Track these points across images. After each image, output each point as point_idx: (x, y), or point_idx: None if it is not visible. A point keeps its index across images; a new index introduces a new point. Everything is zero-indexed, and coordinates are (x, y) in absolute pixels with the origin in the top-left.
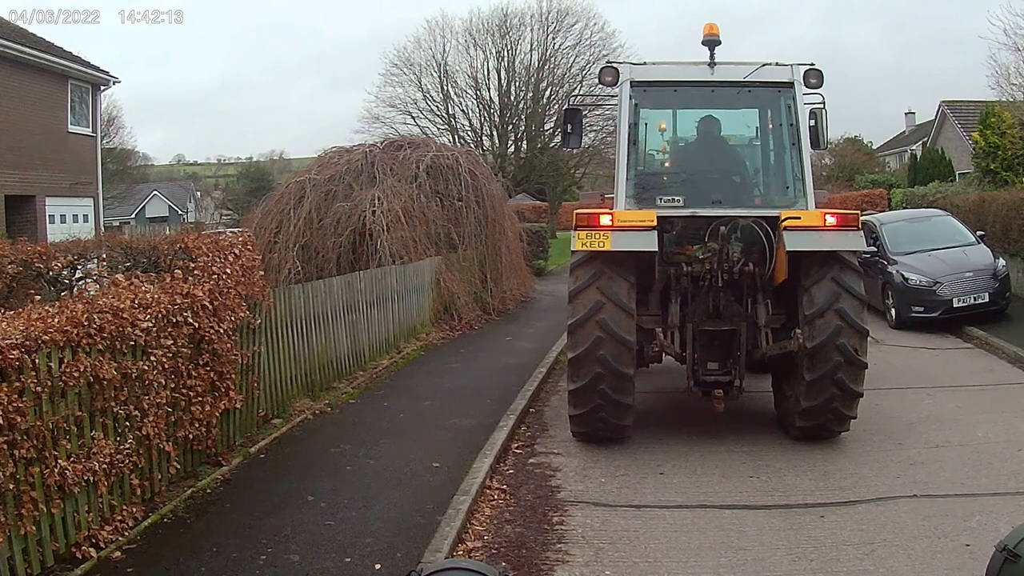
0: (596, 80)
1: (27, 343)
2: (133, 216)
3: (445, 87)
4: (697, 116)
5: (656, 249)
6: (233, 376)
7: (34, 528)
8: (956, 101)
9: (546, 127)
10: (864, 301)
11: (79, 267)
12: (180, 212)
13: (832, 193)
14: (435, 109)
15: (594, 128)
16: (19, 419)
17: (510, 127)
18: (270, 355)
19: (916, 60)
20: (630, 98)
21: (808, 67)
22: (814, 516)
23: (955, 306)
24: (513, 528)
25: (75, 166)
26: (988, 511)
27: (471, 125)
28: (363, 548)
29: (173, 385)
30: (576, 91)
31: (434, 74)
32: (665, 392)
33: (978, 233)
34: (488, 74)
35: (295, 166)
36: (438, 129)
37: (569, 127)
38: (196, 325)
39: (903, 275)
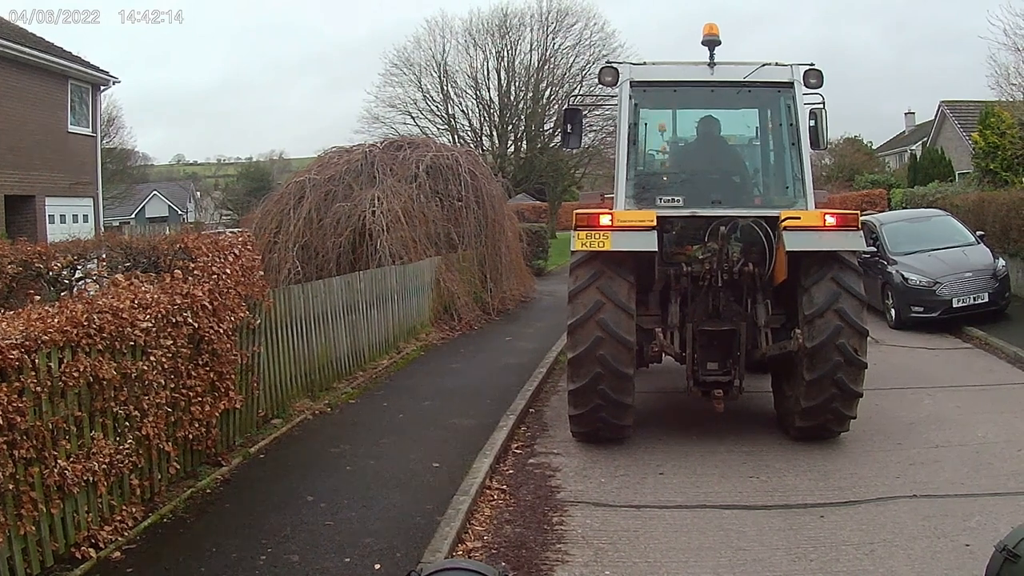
0: (596, 80)
1: (27, 343)
2: (133, 216)
3: (445, 87)
4: (697, 116)
5: (656, 249)
6: (233, 376)
7: (34, 528)
8: (956, 101)
9: (546, 127)
10: (864, 301)
11: (79, 267)
12: (180, 212)
13: (832, 193)
14: (435, 109)
15: (594, 128)
16: (19, 419)
17: (510, 127)
18: (270, 355)
19: (916, 60)
20: (630, 98)
21: (808, 67)
22: (814, 516)
23: (955, 306)
24: (513, 528)
25: (75, 166)
26: (988, 511)
27: (471, 125)
28: (363, 548)
29: (173, 385)
30: (576, 91)
31: (434, 74)
32: (665, 392)
33: (978, 233)
34: (488, 74)
35: (295, 166)
36: (438, 129)
37: (569, 127)
38: (196, 325)
39: (903, 275)
